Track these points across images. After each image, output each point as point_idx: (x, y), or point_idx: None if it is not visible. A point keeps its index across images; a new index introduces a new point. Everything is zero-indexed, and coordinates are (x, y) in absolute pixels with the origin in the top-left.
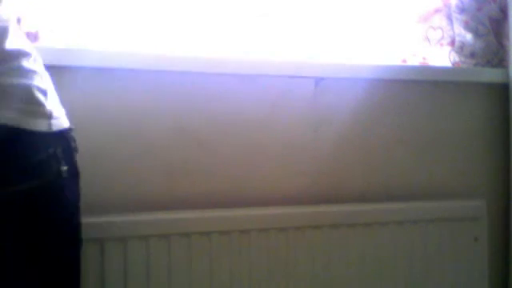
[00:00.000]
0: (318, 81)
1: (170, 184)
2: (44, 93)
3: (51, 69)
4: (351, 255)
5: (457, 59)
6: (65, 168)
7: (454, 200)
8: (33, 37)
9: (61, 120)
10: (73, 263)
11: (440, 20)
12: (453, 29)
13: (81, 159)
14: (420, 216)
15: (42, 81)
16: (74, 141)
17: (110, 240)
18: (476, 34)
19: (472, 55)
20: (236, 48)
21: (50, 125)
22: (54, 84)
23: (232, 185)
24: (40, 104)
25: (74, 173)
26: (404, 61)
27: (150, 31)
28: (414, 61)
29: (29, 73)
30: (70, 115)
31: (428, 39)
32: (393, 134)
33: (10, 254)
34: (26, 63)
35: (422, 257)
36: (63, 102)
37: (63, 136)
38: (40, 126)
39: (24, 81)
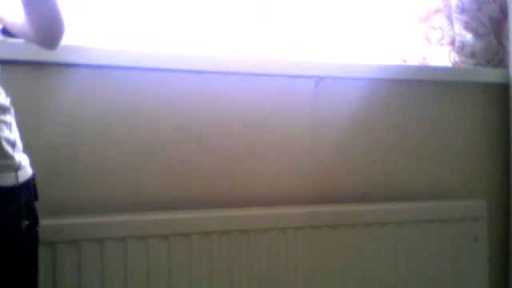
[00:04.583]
0: (318, 81)
1: (170, 184)
2: (12, 144)
3: (50, 66)
4: (351, 255)
5: (457, 59)
6: (26, 223)
7: (453, 200)
8: None
9: (26, 169)
10: None
11: (440, 20)
12: (453, 29)
13: (81, 159)
14: (420, 216)
15: (10, 129)
16: (35, 187)
17: (110, 240)
18: (476, 34)
19: (472, 55)
20: (236, 47)
21: (16, 177)
22: (53, 83)
23: (232, 185)
24: (8, 157)
25: (35, 219)
26: (404, 61)
27: (149, 30)
28: (414, 61)
29: None
30: (70, 114)
31: (428, 39)
32: (393, 134)
33: None
34: None
35: (422, 257)
36: (63, 102)
37: (28, 185)
38: (7, 180)
39: None
